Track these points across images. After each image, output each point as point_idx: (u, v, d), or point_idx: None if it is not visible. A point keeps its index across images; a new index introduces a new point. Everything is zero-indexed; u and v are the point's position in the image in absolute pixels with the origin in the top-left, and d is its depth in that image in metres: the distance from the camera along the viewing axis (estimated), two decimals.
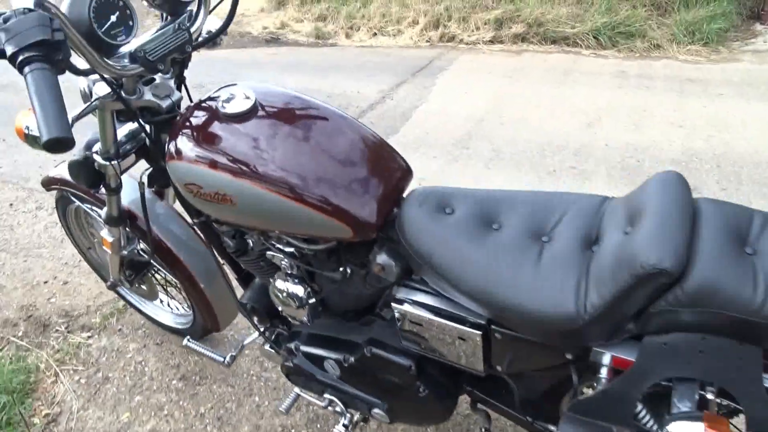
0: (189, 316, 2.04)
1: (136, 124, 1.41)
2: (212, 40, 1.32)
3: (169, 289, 2.08)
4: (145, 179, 1.46)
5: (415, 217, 1.16)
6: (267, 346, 1.62)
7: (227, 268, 1.66)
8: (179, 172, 1.21)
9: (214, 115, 1.22)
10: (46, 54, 0.85)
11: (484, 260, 1.09)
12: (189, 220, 1.84)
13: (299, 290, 1.35)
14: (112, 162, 1.36)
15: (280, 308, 1.44)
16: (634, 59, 4.87)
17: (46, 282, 2.55)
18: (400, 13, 6.19)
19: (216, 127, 1.20)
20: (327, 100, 4.04)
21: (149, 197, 1.68)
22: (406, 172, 1.27)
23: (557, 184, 3.01)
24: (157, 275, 2.00)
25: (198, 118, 1.24)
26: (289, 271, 1.35)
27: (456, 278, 1.10)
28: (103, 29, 1.06)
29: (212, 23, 1.37)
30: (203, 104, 1.27)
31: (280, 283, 1.36)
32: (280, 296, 1.37)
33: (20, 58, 0.84)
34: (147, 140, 1.38)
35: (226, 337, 2.15)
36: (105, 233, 1.68)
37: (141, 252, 1.81)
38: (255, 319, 1.58)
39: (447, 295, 1.17)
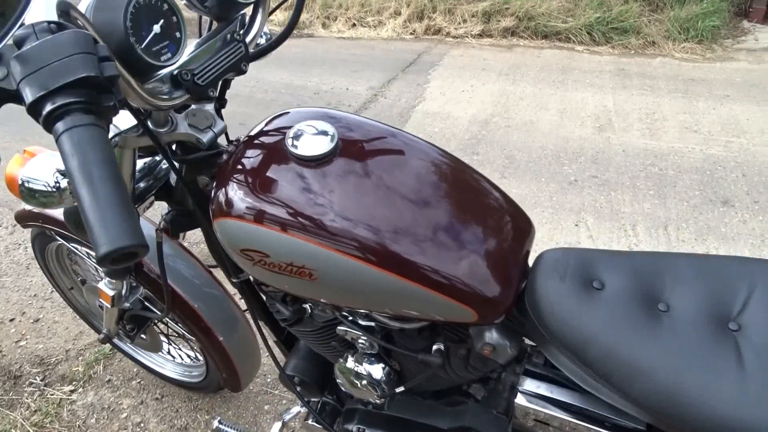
0: (201, 368, 1.72)
1: (153, 158, 1.09)
2: (270, 51, 1.01)
3: (175, 338, 1.75)
4: (164, 225, 1.14)
5: (557, 294, 0.88)
6: (312, 420, 1.32)
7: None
8: (234, 234, 0.90)
9: (280, 156, 0.91)
10: (92, 100, 0.53)
11: (658, 357, 0.82)
12: (199, 258, 1.53)
13: (381, 375, 1.06)
14: None
15: (343, 386, 1.15)
16: (630, 56, 4.71)
17: (12, 320, 2.17)
18: (381, 3, 5.87)
19: (286, 174, 0.89)
20: (314, 97, 3.64)
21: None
22: (529, 228, 1.00)
23: (582, 195, 2.78)
24: (160, 325, 1.67)
25: (256, 159, 0.93)
26: (367, 351, 1.06)
27: (620, 379, 0.84)
28: (143, 45, 0.74)
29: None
30: (259, 140, 0.96)
31: (354, 365, 1.07)
32: (357, 383, 1.08)
33: (49, 108, 0.51)
34: (175, 180, 1.06)
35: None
36: (104, 285, 1.35)
37: (144, 302, 1.48)
38: (299, 389, 1.28)
39: (591, 390, 0.90)
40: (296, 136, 0.90)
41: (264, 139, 0.96)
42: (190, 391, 1.81)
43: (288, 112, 1.03)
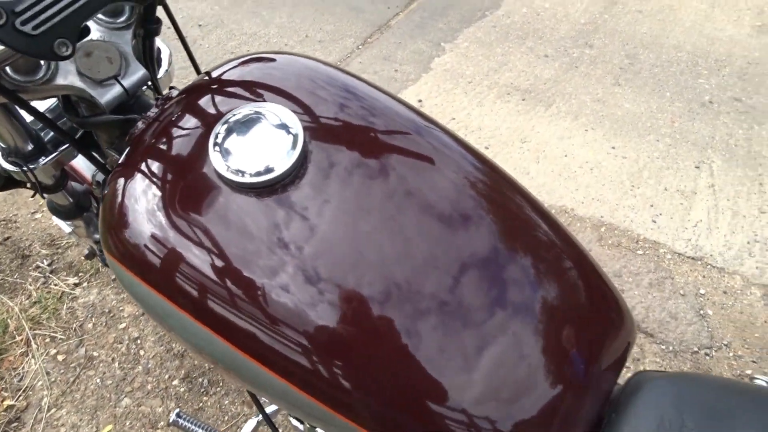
0: None
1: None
2: None
3: None
4: (99, 178, 0.83)
5: None
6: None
7: None
8: (127, 287, 0.57)
9: (203, 161, 0.53)
10: None
11: None
12: None
13: None
14: (25, 168, 0.72)
15: None
16: None
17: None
18: None
19: (209, 203, 0.52)
20: None
21: None
22: (624, 328, 0.59)
23: (714, 124, 2.18)
24: None
25: (176, 148, 0.56)
26: None
27: None
28: None
29: None
30: (193, 108, 0.58)
31: None
32: None
33: None
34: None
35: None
36: (58, 221, 1.08)
37: None
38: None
39: None
40: (229, 132, 0.51)
41: (201, 107, 0.58)
42: None
43: (258, 58, 0.63)
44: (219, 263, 0.50)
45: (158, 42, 0.83)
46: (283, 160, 0.49)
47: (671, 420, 0.52)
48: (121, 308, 1.64)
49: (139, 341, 1.57)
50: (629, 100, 2.30)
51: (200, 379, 1.49)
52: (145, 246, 0.53)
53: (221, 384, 1.48)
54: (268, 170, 0.49)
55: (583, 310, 0.56)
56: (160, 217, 0.52)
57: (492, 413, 0.50)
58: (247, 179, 0.49)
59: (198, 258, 0.51)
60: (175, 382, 1.49)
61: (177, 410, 1.02)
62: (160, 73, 0.78)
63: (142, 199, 0.54)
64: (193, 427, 1.01)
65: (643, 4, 2.85)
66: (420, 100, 2.29)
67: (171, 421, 1.01)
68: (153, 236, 0.52)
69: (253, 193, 0.50)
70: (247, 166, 0.50)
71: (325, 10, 2.87)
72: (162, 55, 0.81)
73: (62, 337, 1.58)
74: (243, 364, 0.52)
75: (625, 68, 2.47)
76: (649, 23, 2.73)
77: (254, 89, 0.58)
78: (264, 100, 0.55)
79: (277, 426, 1.37)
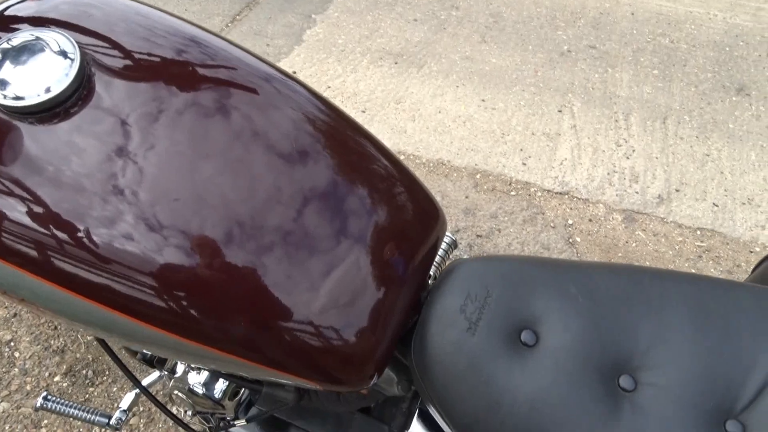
0: None
1: None
2: None
3: None
4: None
5: (457, 361, 0.55)
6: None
7: None
8: None
9: None
10: None
11: None
12: None
13: (214, 394, 0.76)
14: None
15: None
16: None
17: None
18: None
19: None
20: None
21: None
22: (436, 226, 0.63)
23: (573, 70, 2.33)
24: None
25: None
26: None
27: None
28: None
29: None
30: None
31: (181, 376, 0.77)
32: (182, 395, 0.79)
33: None
34: None
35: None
36: None
37: None
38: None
39: None
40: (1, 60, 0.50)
41: None
42: None
43: None
44: (24, 204, 0.48)
45: None
46: (60, 82, 0.49)
47: (477, 293, 0.56)
48: None
49: (12, 343, 1.48)
50: (495, 56, 2.40)
51: (84, 371, 1.43)
52: None
53: (107, 372, 1.43)
54: (47, 91, 0.48)
55: (403, 218, 0.60)
56: None
57: (333, 320, 0.53)
58: (23, 103, 0.48)
59: (3, 201, 0.49)
60: (57, 378, 1.42)
61: (44, 393, 0.97)
62: None
63: None
64: (63, 407, 0.98)
65: None
66: (294, 72, 2.28)
67: (38, 405, 0.96)
68: None
69: (35, 120, 0.49)
70: (21, 91, 0.48)
71: None
72: None
73: None
74: (65, 300, 0.51)
75: (490, 26, 2.57)
76: None
77: (40, 22, 0.56)
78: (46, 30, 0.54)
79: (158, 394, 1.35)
